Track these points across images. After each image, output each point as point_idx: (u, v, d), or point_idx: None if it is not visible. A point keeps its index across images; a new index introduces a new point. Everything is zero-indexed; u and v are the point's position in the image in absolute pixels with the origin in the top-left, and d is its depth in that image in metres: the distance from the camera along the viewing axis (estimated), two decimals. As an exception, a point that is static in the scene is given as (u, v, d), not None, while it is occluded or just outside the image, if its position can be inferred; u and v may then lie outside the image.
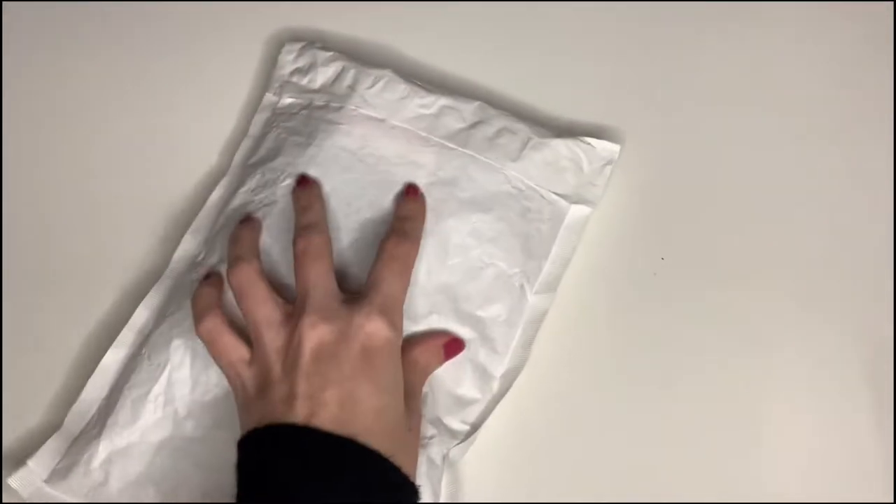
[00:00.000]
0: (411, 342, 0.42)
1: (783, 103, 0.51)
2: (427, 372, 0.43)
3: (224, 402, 0.42)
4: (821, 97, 0.51)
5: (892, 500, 0.41)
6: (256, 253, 0.43)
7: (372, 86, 0.48)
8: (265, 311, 0.40)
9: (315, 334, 0.38)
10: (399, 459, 0.37)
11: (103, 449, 0.43)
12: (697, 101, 0.51)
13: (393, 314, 0.39)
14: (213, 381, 0.43)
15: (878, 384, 0.44)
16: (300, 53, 0.51)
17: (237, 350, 0.40)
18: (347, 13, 0.53)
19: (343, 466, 0.36)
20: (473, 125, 0.48)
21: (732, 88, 0.52)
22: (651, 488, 0.43)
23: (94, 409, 0.45)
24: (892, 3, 0.53)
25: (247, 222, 0.44)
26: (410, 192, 0.45)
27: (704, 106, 0.51)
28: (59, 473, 0.43)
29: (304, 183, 0.45)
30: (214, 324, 0.40)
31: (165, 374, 0.43)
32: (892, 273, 0.46)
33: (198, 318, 0.41)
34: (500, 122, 0.48)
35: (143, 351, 0.44)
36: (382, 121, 0.47)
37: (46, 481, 0.43)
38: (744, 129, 0.51)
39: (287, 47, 0.51)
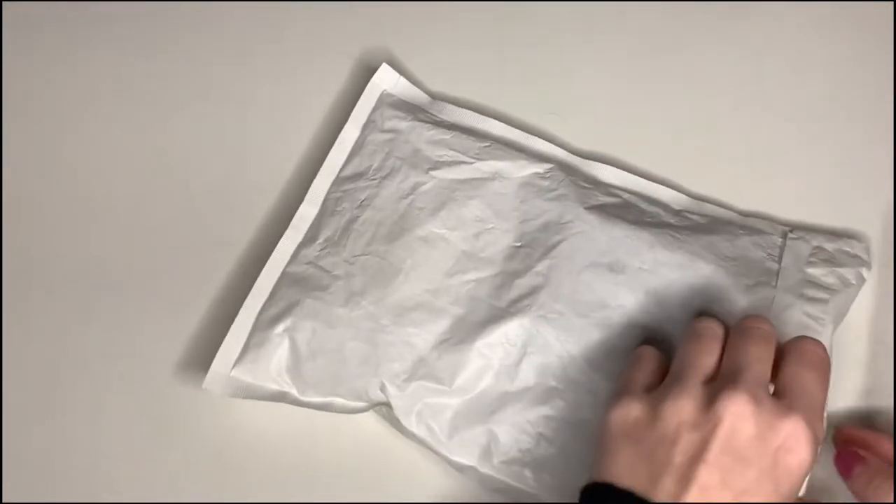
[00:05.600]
0: None
1: (781, 103, 0.49)
2: None
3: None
4: (819, 98, 0.50)
5: (892, 501, 0.38)
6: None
7: None
8: (705, 355, 0.36)
9: (737, 416, 0.33)
10: None
11: (283, 315, 0.42)
12: (694, 97, 0.50)
13: (817, 432, 0.34)
14: None
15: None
16: None
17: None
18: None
19: None
20: None
21: (729, 87, 0.50)
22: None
23: (267, 294, 0.44)
24: (892, 3, 0.52)
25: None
26: None
27: (699, 100, 0.50)
28: (243, 357, 0.42)
29: None
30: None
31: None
32: (892, 273, 0.44)
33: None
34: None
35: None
36: None
37: (234, 368, 0.42)
38: (740, 128, 0.49)
39: None
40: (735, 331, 0.37)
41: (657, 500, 0.33)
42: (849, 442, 0.40)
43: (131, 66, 0.52)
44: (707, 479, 0.32)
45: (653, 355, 0.39)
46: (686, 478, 0.33)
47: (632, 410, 0.35)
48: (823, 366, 0.36)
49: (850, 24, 0.51)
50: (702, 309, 0.41)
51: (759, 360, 0.35)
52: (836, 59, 0.51)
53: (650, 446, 0.34)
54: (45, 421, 0.44)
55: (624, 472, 0.34)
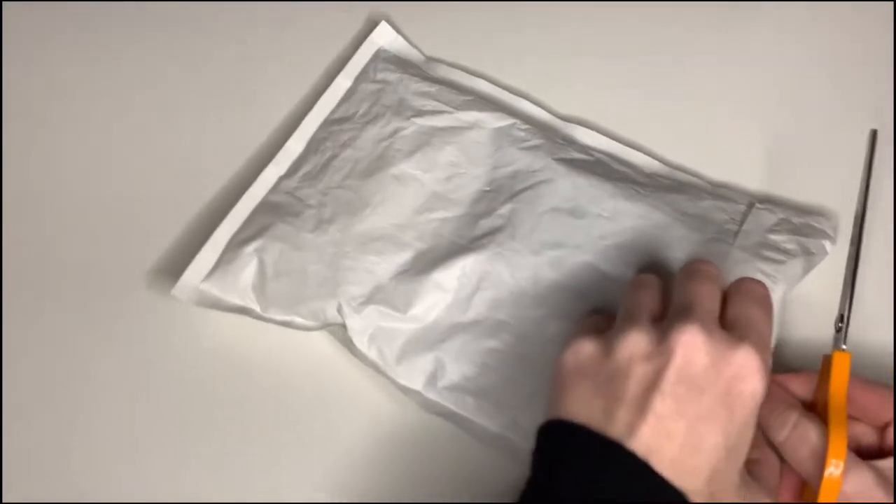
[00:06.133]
0: None
1: (780, 103, 0.50)
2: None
3: None
4: (819, 98, 0.50)
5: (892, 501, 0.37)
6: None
7: None
8: (650, 299, 0.37)
9: (690, 346, 0.33)
10: None
11: (255, 236, 0.44)
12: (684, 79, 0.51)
13: (767, 363, 0.34)
14: None
15: None
16: None
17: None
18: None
19: None
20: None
21: (729, 87, 0.51)
22: None
23: (244, 217, 0.46)
24: (892, 2, 0.52)
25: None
26: None
27: (696, 100, 0.50)
28: (214, 272, 0.44)
29: None
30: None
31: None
32: (892, 275, 0.44)
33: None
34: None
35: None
36: None
37: (203, 281, 0.44)
38: (739, 128, 0.50)
39: None
40: (682, 273, 0.38)
41: (613, 433, 0.32)
42: None
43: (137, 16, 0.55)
44: (662, 408, 0.32)
45: (601, 316, 0.40)
46: (641, 408, 0.33)
47: (584, 347, 0.35)
48: (766, 302, 0.37)
49: (850, 24, 0.52)
50: (655, 256, 0.42)
51: (707, 296, 0.36)
52: (836, 58, 0.51)
53: (604, 380, 0.34)
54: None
55: (579, 409, 0.34)
